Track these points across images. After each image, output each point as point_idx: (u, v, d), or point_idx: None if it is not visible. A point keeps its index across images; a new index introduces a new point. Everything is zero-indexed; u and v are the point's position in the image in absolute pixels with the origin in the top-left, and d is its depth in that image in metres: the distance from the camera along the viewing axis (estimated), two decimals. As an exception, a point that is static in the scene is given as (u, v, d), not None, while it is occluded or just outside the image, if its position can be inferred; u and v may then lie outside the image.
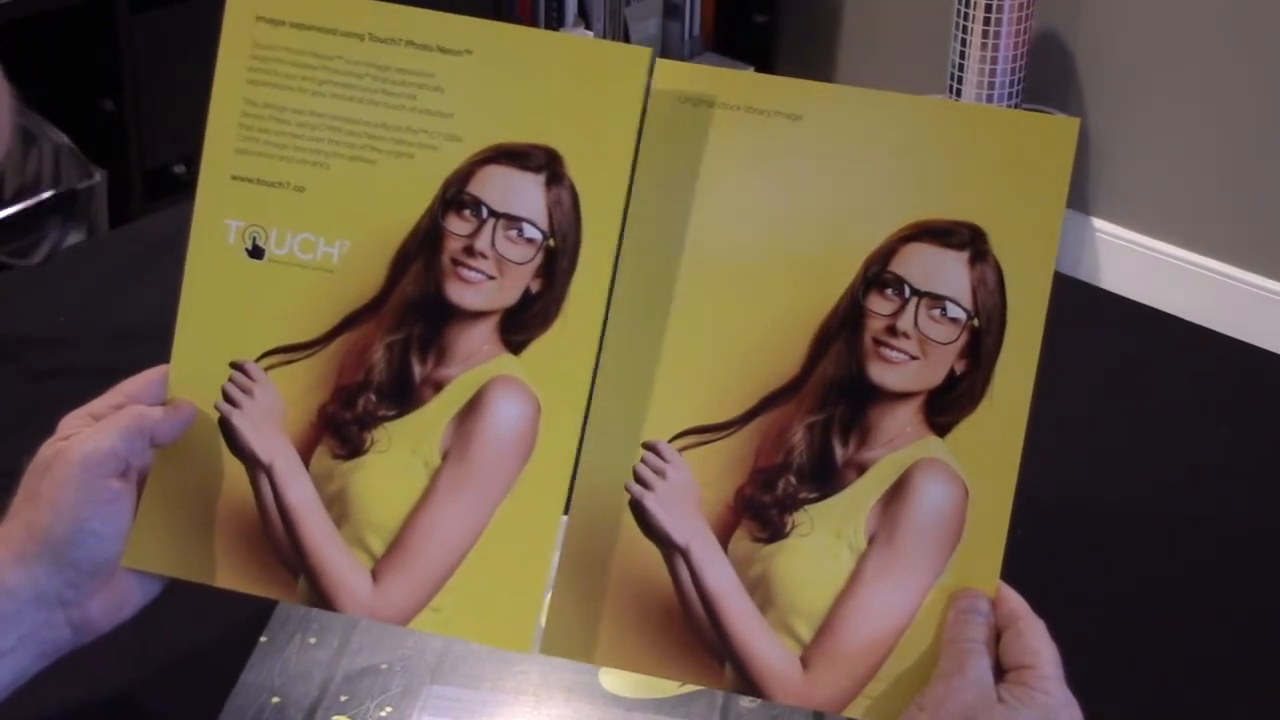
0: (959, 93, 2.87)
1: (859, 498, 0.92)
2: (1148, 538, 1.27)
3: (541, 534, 0.92)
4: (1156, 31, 2.86)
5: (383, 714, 1.04)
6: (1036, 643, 0.88)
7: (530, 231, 0.92)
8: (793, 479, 0.92)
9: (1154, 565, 1.24)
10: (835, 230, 0.92)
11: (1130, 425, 1.38)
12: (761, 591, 0.92)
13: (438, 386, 0.93)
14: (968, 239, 0.91)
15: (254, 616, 1.08)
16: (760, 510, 0.92)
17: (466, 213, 0.93)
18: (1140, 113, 2.91)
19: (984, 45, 2.85)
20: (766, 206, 0.93)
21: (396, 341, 0.93)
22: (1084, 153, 2.97)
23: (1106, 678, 1.12)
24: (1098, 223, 3.02)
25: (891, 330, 0.91)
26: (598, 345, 0.92)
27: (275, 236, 0.94)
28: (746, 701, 1.06)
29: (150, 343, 1.44)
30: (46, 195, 0.56)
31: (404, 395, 0.93)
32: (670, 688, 1.07)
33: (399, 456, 0.93)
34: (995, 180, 0.91)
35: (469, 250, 0.93)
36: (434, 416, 0.93)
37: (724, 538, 0.93)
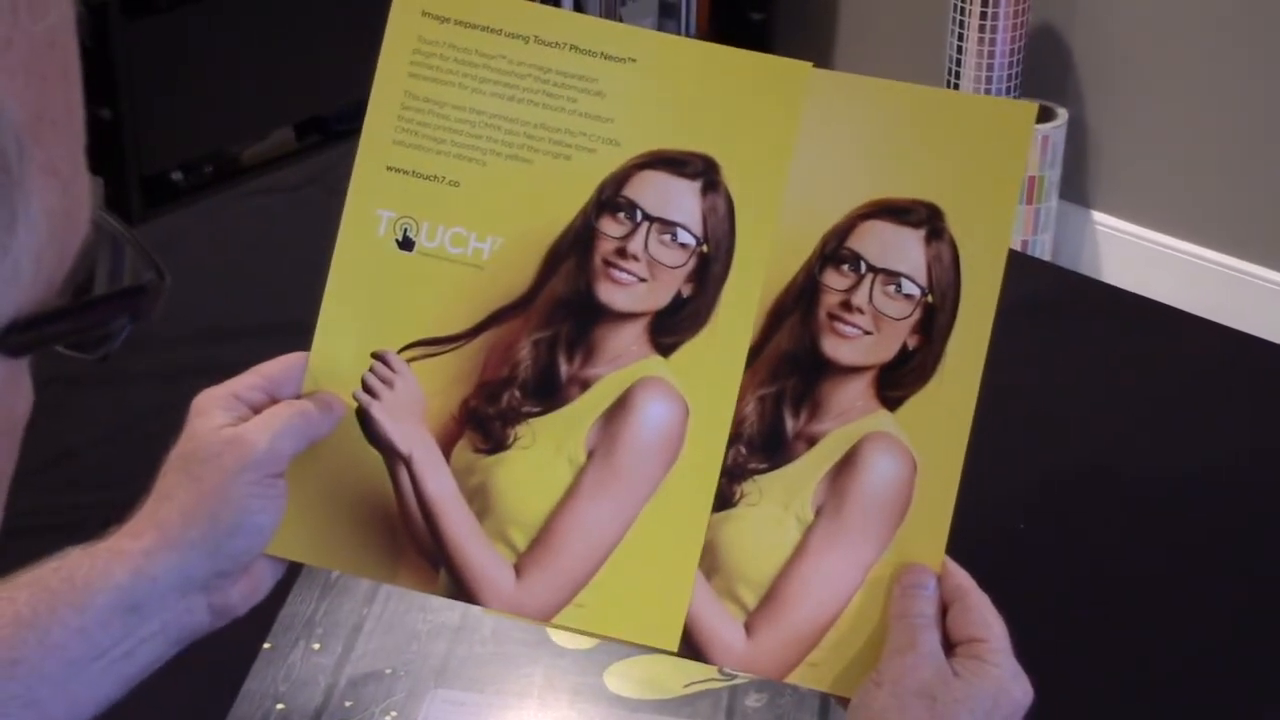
0: (956, 87, 2.87)
1: (808, 469, 0.93)
2: (1152, 530, 1.27)
3: (687, 535, 0.92)
4: (1156, 22, 2.86)
5: (388, 719, 1.04)
6: (987, 616, 0.88)
7: (684, 236, 0.93)
8: (743, 449, 0.93)
9: (1158, 557, 1.24)
10: (795, 207, 0.93)
11: (1134, 420, 1.38)
12: (708, 558, 0.92)
13: (584, 385, 0.94)
14: (925, 217, 0.93)
15: (256, 623, 1.08)
16: None
17: (621, 215, 0.94)
18: (1141, 104, 2.91)
19: (981, 39, 2.85)
20: None
21: (544, 339, 0.94)
22: (1084, 146, 2.97)
23: (1110, 664, 1.12)
24: (1098, 216, 3.02)
25: (846, 305, 0.93)
26: (747, 351, 0.93)
27: (426, 229, 0.95)
28: (751, 700, 1.06)
29: (150, 352, 1.44)
30: (113, 292, 0.56)
31: (550, 392, 0.94)
32: (675, 688, 1.07)
33: (543, 453, 0.93)
34: (953, 161, 0.93)
35: (621, 252, 0.93)
36: (580, 415, 0.93)
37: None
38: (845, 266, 0.93)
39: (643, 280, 0.93)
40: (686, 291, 0.93)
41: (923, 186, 0.93)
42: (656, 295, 0.93)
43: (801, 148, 0.93)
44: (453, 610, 1.11)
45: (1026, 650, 0.88)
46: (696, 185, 0.93)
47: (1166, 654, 1.16)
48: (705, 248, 0.93)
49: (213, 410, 0.90)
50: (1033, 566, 1.21)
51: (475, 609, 1.06)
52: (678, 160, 0.94)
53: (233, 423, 0.89)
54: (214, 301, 1.53)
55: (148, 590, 0.87)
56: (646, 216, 0.93)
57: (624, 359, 0.94)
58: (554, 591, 0.92)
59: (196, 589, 0.88)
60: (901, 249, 0.92)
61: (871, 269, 0.92)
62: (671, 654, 0.92)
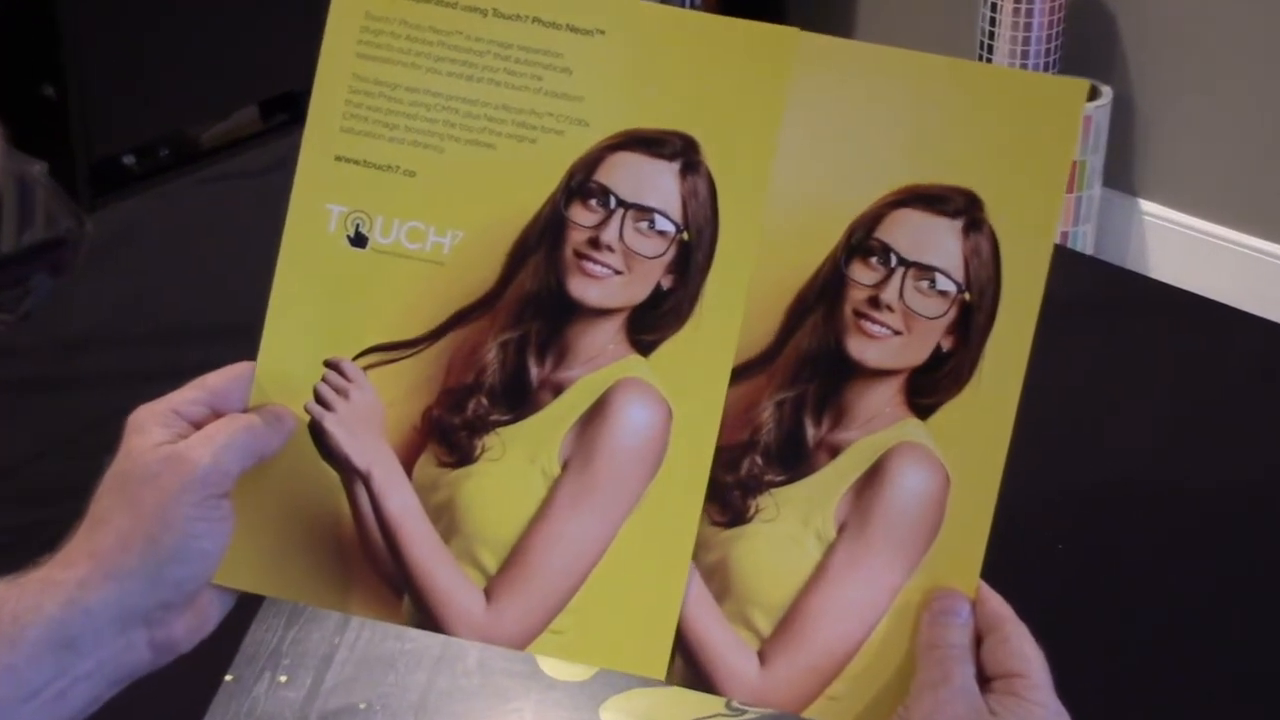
0: (990, 61, 2.87)
1: (830, 482, 0.93)
2: (1208, 549, 1.27)
3: (673, 550, 0.92)
4: (1209, -7, 2.86)
5: (362, 758, 1.04)
6: (1026, 649, 0.88)
7: (662, 223, 0.94)
8: (759, 459, 0.93)
9: (1214, 579, 1.24)
10: (819, 193, 0.93)
11: (1185, 428, 1.39)
12: (719, 579, 0.93)
13: (557, 389, 0.94)
14: (962, 206, 0.93)
15: (218, 653, 1.08)
16: (722, 491, 0.93)
17: (593, 202, 0.94)
18: (1193, 82, 2.91)
19: (1017, 10, 2.85)
20: None
21: (512, 340, 0.94)
22: (1130, 127, 2.98)
23: (1163, 702, 1.12)
24: (1146, 205, 3.02)
25: (874, 302, 0.93)
26: (735, 347, 0.93)
27: (381, 224, 0.95)
28: (760, 736, 1.06)
29: (100, 351, 1.45)
30: (31, 245, 0.55)
31: (519, 398, 0.94)
32: (677, 718, 1.07)
33: (514, 465, 0.94)
34: (995, 144, 0.93)
35: (594, 243, 0.94)
36: (553, 422, 0.94)
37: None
38: (874, 259, 0.93)
39: (618, 273, 0.94)
40: (667, 284, 0.94)
41: (960, 172, 0.93)
42: (634, 289, 0.94)
43: (819, 126, 0.93)
44: (433, 638, 1.11)
45: (1069, 687, 0.88)
46: (675, 167, 0.94)
47: (1227, 689, 1.16)
48: (686, 235, 0.93)
49: (150, 427, 0.90)
50: (1075, 592, 1.21)
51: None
52: (653, 140, 0.94)
53: (172, 440, 0.90)
54: (171, 299, 1.54)
55: (83, 624, 0.87)
56: (621, 203, 0.94)
57: (600, 359, 0.94)
58: (528, 617, 0.93)
59: (136, 623, 0.89)
60: (936, 241, 0.92)
61: (903, 262, 0.93)
62: (662, 683, 0.92)
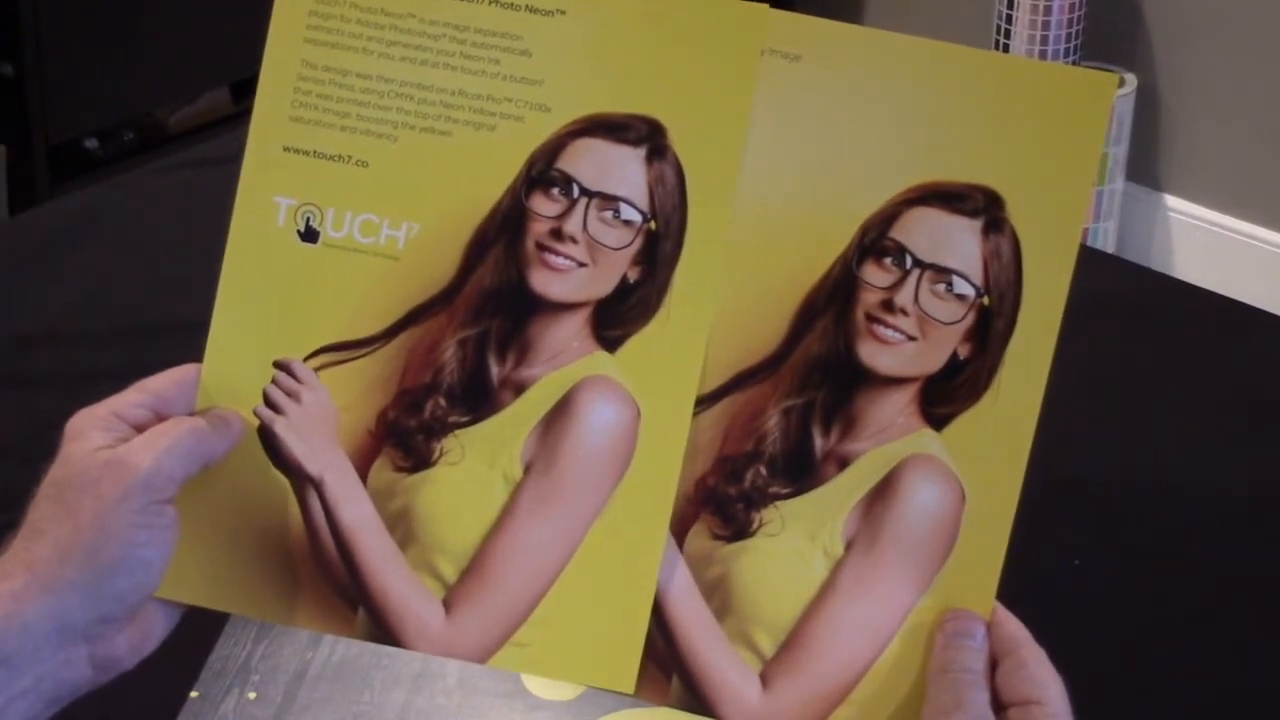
0: (1006, 49, 2.87)
1: (838, 496, 0.93)
2: (1237, 566, 1.27)
3: (642, 556, 0.93)
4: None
5: (335, 781, 1.04)
6: (1043, 675, 0.89)
7: (628, 212, 0.95)
8: (763, 470, 0.94)
9: (1241, 598, 1.24)
10: (830, 188, 0.94)
11: (1212, 436, 1.39)
12: (719, 596, 0.93)
13: (519, 389, 0.95)
14: (982, 205, 0.93)
15: (183, 668, 1.09)
16: (724, 503, 0.94)
17: (555, 191, 0.95)
18: (1221, 70, 2.91)
19: (1035, -9, 2.85)
20: (752, 158, 0.95)
21: (471, 338, 0.95)
22: (1156, 120, 2.98)
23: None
24: (1171, 201, 3.02)
25: (888, 305, 0.93)
26: (705, 341, 0.94)
27: (332, 217, 0.96)
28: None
29: (58, 351, 1.45)
30: None
31: (479, 399, 0.95)
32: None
33: (473, 469, 0.94)
34: (1018, 141, 0.93)
35: (557, 234, 0.95)
36: (515, 423, 0.95)
37: None
38: (888, 260, 0.93)
39: (582, 265, 0.95)
40: (633, 276, 0.95)
41: (981, 169, 0.93)
42: (599, 282, 0.95)
43: (839, 119, 0.94)
44: (412, 653, 1.11)
45: (1088, 716, 0.88)
46: (640, 152, 0.95)
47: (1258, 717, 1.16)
48: (653, 224, 0.94)
49: (89, 432, 0.91)
50: (1094, 612, 1.21)
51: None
52: (618, 125, 0.95)
53: (112, 444, 0.91)
54: (134, 293, 1.54)
55: (19, 639, 0.88)
56: (584, 191, 0.95)
57: (564, 357, 0.95)
58: (489, 628, 0.94)
59: (76, 637, 0.89)
60: (954, 241, 0.93)
61: (918, 264, 0.93)
62: (639, 701, 0.92)
